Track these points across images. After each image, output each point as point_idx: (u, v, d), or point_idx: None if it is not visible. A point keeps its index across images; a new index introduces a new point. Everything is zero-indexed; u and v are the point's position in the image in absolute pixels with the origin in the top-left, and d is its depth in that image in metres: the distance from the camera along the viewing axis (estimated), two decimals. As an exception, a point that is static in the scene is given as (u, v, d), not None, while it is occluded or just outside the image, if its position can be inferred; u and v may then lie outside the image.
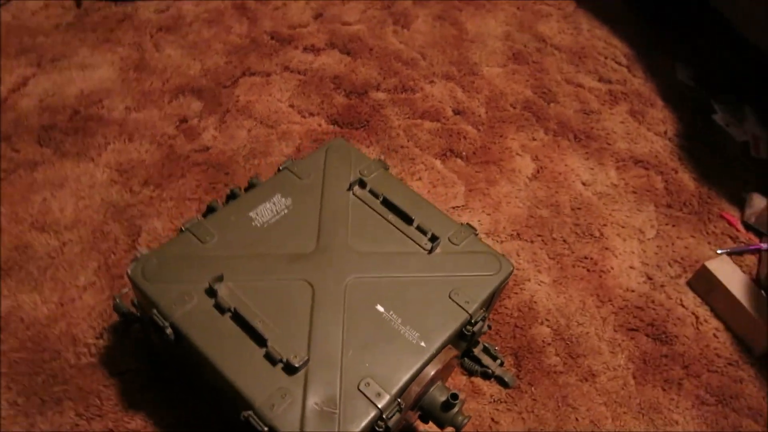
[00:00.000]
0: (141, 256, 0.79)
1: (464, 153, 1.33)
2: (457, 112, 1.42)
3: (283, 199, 0.89)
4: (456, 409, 0.77)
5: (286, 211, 0.87)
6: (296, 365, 0.70)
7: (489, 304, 0.85)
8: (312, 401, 0.68)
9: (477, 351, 0.98)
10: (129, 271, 0.77)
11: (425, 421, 0.81)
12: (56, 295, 0.96)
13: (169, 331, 0.73)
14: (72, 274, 0.99)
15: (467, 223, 0.90)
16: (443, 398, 0.77)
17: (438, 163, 1.30)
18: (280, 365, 0.71)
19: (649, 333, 1.06)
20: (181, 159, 1.20)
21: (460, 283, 0.82)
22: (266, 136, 1.28)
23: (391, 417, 0.70)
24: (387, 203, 0.90)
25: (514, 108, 1.45)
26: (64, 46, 1.39)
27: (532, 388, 0.96)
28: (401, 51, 1.54)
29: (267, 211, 0.87)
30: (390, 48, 1.54)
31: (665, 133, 1.43)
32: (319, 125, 1.33)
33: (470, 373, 0.97)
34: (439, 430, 0.80)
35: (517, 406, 0.94)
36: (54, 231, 1.04)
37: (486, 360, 0.97)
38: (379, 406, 0.69)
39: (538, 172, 1.31)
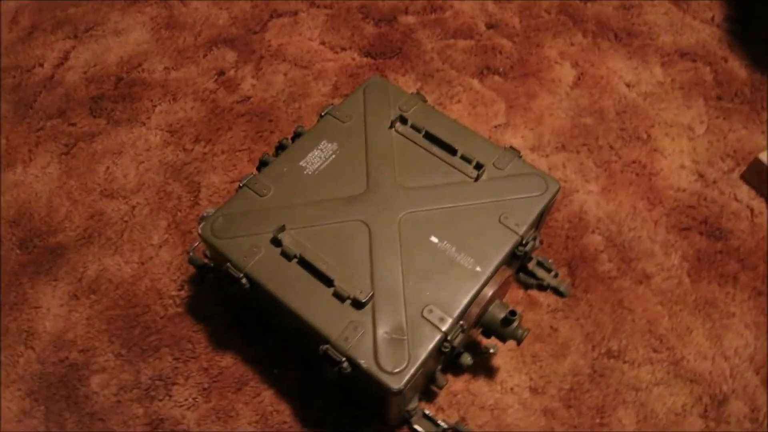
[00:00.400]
0: (207, 215, 0.85)
1: (501, 69, 1.31)
2: (490, 26, 1.38)
3: (330, 145, 0.92)
4: (515, 324, 0.82)
5: (333, 156, 0.91)
6: (363, 300, 0.76)
7: (538, 223, 0.88)
8: (381, 331, 0.75)
9: (531, 265, 1.02)
10: (200, 231, 0.84)
11: (487, 336, 0.87)
12: (136, 255, 1.05)
13: (244, 281, 0.80)
14: (146, 234, 1.07)
15: (510, 147, 0.92)
16: (502, 315, 0.82)
17: (476, 82, 1.29)
18: (348, 302, 0.77)
19: (703, 230, 1.07)
20: (225, 112, 1.24)
21: (509, 206, 0.85)
22: (302, 78, 1.30)
23: (455, 338, 0.76)
24: (429, 136, 0.92)
25: (549, 13, 1.40)
26: (95, 14, 1.42)
27: (588, 295, 1.00)
28: (425, -33, 1.49)
29: (316, 158, 0.91)
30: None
31: (712, 19, 1.36)
32: (353, 59, 1.33)
33: (526, 287, 1.02)
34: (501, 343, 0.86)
35: (574, 313, 0.99)
36: (122, 196, 1.12)
37: (540, 273, 1.02)
38: (443, 329, 0.75)
39: (579, 78, 1.29)
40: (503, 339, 0.84)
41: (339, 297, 0.77)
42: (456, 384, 0.93)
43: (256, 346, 0.96)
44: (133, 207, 1.11)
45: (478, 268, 0.80)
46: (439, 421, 0.87)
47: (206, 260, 0.95)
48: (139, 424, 0.90)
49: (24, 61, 1.33)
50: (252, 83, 1.29)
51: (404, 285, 0.78)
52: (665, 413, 0.90)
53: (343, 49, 1.35)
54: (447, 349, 0.76)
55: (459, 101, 1.26)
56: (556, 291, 1.01)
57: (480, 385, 0.93)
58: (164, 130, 1.21)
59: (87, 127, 1.22)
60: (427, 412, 0.89)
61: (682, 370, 0.94)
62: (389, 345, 0.74)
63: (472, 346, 0.94)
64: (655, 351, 0.95)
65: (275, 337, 0.96)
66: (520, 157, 0.91)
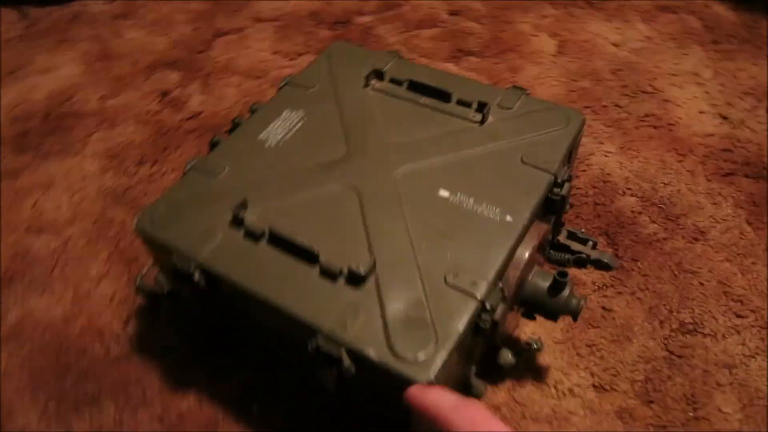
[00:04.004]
0: (146, 206, 0.65)
1: (475, 49, 1.18)
2: (453, 13, 1.28)
3: (294, 113, 0.74)
4: (567, 291, 0.62)
5: (300, 123, 0.73)
6: (362, 273, 0.55)
7: (569, 162, 0.70)
8: (393, 309, 0.54)
9: (562, 238, 0.82)
10: (135, 224, 0.63)
11: (532, 316, 0.67)
12: (69, 292, 0.83)
13: (197, 276, 0.59)
14: (82, 268, 0.86)
15: (513, 85, 0.75)
16: (548, 282, 0.62)
17: (451, 66, 1.15)
18: (342, 279, 0.56)
19: (748, 173, 0.90)
20: (173, 130, 1.06)
21: (529, 146, 0.67)
22: (258, 87, 1.14)
23: (496, 308, 0.55)
24: (415, 86, 0.75)
25: (514, -7, 1.30)
26: (19, 57, 1.26)
27: (638, 264, 0.81)
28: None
29: (278, 129, 0.72)
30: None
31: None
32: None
33: (560, 265, 0.82)
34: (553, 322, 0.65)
35: (628, 287, 0.79)
36: (53, 230, 0.91)
37: (576, 246, 0.82)
38: (479, 296, 0.54)
39: (561, 46, 1.16)
40: (554, 315, 0.64)
41: (328, 274, 0.57)
42: (497, 395, 0.71)
43: (227, 380, 0.73)
44: (67, 240, 0.90)
45: (508, 218, 0.61)
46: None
47: (158, 285, 0.73)
48: None
49: (-65, 110, 1.14)
50: (201, 99, 1.13)
51: (415, 250, 0.58)
52: (773, 389, 0.69)
53: (299, 54, 1.21)
54: (487, 325, 0.55)
55: (438, 86, 1.10)
56: (599, 264, 0.81)
57: (529, 391, 0.71)
58: (101, 157, 1.02)
59: (11, 165, 1.02)
60: (466, 434, 0.66)
61: (777, 333, 0.74)
62: (405, 325, 0.53)
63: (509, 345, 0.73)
64: (738, 316, 0.75)
65: (253, 365, 0.73)
66: (528, 93, 0.74)
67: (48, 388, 0.72)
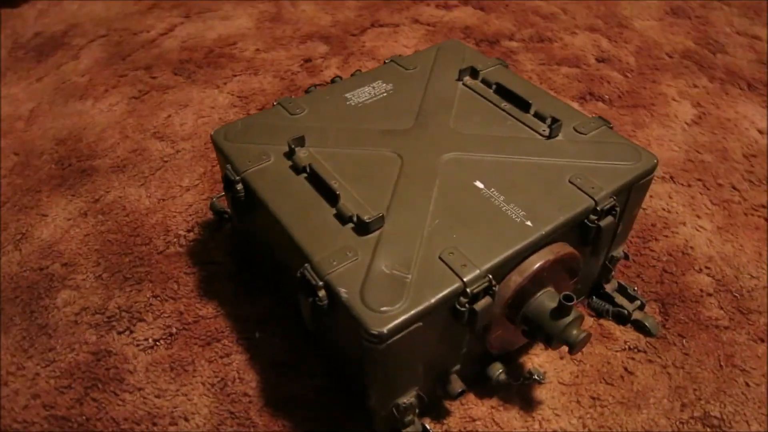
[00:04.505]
0: (228, 123, 0.74)
1: (607, 96, 1.14)
2: (601, 60, 1.25)
3: (384, 85, 0.80)
4: (570, 319, 0.60)
5: (385, 94, 0.78)
6: (368, 221, 0.58)
7: (625, 204, 0.67)
8: (381, 263, 0.56)
9: (609, 288, 0.78)
10: (212, 134, 0.73)
11: (531, 336, 0.64)
12: (160, 191, 0.95)
13: (239, 186, 0.66)
14: (178, 175, 0.98)
15: (599, 116, 0.74)
16: (554, 304, 0.60)
17: (575, 105, 1.13)
18: (350, 225, 0.60)
19: None
20: (300, 90, 1.17)
21: (585, 170, 0.66)
22: (387, 75, 1.21)
23: (478, 297, 0.55)
24: (502, 90, 0.76)
25: (671, 57, 1.24)
26: (209, 2, 1.47)
27: (684, 341, 0.74)
28: (539, 6, 1.42)
29: (365, 93, 0.78)
30: (528, 3, 1.43)
31: None
32: (444, 66, 1.23)
33: (599, 314, 0.78)
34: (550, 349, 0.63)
35: (661, 359, 0.73)
36: (171, 140, 1.06)
37: (620, 300, 0.78)
38: (464, 278, 0.55)
39: (699, 117, 1.09)
40: (550, 339, 0.61)
41: (340, 217, 0.61)
42: (478, 407, 0.69)
43: (246, 305, 0.79)
44: (177, 151, 1.03)
45: (529, 223, 0.60)
46: (442, 438, 0.63)
47: (227, 210, 0.83)
48: (83, 351, 0.74)
49: (134, 27, 1.38)
50: (336, 72, 1.23)
51: (427, 222, 0.60)
52: None
53: (438, 58, 1.27)
54: (464, 309, 0.55)
55: (553, 118, 1.09)
56: (639, 326, 0.76)
57: (511, 416, 0.69)
58: (235, 95, 1.16)
59: (165, 81, 1.20)
60: (428, 427, 0.65)
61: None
62: (385, 280, 0.55)
63: (509, 364, 0.71)
64: (775, 431, 0.66)
65: (271, 298, 0.79)
66: (611, 127, 0.72)
67: (109, 260, 0.85)
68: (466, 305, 0.55)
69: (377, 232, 0.59)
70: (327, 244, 0.58)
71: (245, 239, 0.84)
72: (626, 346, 0.74)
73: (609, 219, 0.63)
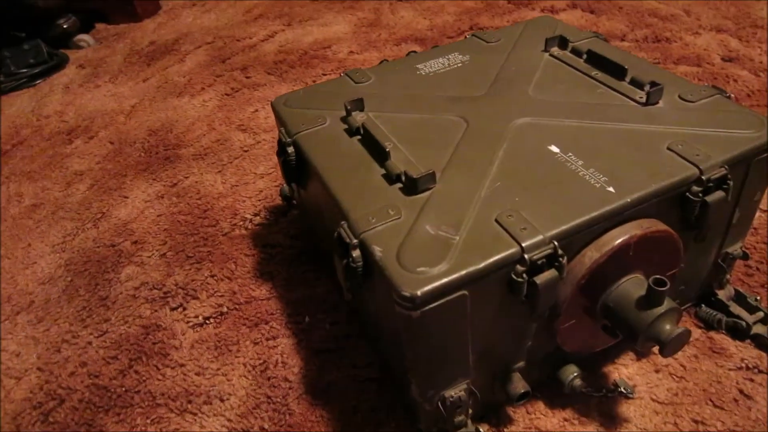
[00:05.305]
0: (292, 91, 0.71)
1: (733, 95, 0.99)
2: (728, 60, 1.10)
3: (460, 56, 0.73)
4: (662, 309, 0.48)
5: (459, 65, 0.72)
6: (415, 176, 0.51)
7: (742, 183, 0.54)
8: (424, 224, 0.49)
9: (724, 295, 0.64)
10: (273, 101, 0.70)
11: (613, 333, 0.53)
12: (235, 178, 0.95)
13: (290, 149, 0.62)
14: (254, 164, 0.98)
15: (713, 85, 0.61)
16: (641, 292, 0.49)
17: (694, 101, 0.98)
18: (398, 185, 0.53)
19: None
20: (386, 88, 1.14)
21: (689, 137, 0.54)
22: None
23: (541, 268, 0.46)
24: (593, 58, 0.67)
25: (824, 53, 1.05)
26: (312, 12, 1.50)
27: (825, 366, 0.58)
28: (658, 8, 1.29)
29: (438, 64, 0.72)
30: (644, 5, 1.30)
31: None
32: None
33: (708, 325, 0.64)
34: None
35: (791, 386, 0.57)
36: (253, 132, 1.06)
37: (737, 310, 0.63)
38: (522, 243, 0.45)
39: None
40: (633, 334, 0.49)
41: (387, 177, 0.54)
42: (548, 418, 0.58)
43: (301, 289, 0.74)
44: (258, 142, 1.03)
45: (610, 188, 0.50)
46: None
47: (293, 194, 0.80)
48: (134, 324, 0.73)
49: (238, 34, 1.44)
50: (425, 71, 1.18)
51: (488, 184, 0.52)
52: None
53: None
54: (521, 280, 0.46)
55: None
56: (762, 343, 0.61)
57: (588, 435, 0.56)
58: (321, 92, 1.16)
59: (258, 80, 1.23)
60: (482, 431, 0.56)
61: None
62: (427, 240, 0.47)
63: (589, 373, 0.59)
64: None
65: (327, 284, 0.74)
66: (729, 96, 0.60)
67: (176, 239, 0.84)
68: (524, 275, 0.46)
69: (427, 193, 0.52)
70: (369, 202, 0.52)
71: (303, 218, 0.80)
72: (743, 365, 0.59)
73: (719, 194, 0.51)
